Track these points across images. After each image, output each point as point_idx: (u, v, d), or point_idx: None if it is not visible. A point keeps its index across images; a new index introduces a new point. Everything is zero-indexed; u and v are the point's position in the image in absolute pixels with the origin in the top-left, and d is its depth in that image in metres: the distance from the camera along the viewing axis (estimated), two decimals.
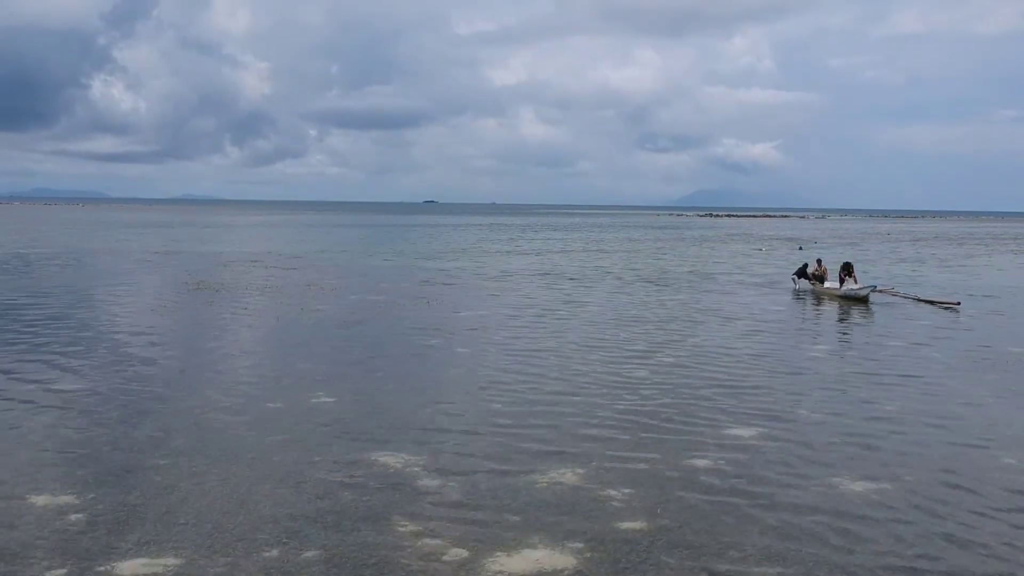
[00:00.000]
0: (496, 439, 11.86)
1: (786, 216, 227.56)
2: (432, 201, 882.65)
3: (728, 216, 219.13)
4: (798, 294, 31.79)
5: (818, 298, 30.70)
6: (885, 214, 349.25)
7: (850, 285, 29.77)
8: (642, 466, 10.77)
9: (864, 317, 25.70)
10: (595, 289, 32.63)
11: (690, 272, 40.88)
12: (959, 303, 27.49)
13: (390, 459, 10.94)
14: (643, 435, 12.15)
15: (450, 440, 11.81)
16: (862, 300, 28.61)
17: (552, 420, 12.85)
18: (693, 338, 20.90)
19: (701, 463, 10.96)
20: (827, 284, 31.59)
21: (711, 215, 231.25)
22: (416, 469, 10.59)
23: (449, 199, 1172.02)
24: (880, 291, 30.07)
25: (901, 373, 16.77)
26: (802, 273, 33.23)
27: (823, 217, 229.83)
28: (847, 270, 30.57)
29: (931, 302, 28.44)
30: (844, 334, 22.73)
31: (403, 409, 13.49)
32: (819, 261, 33.49)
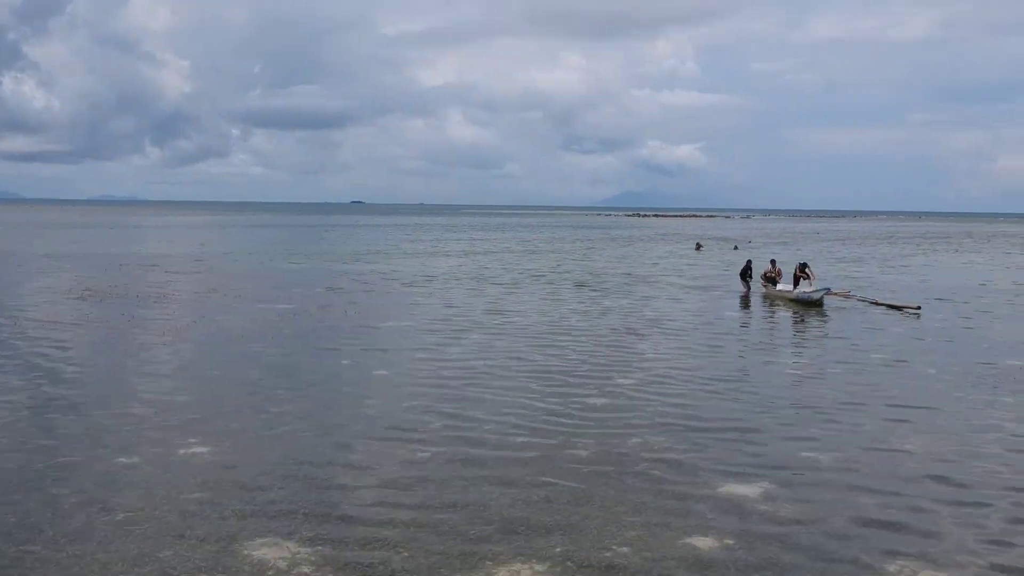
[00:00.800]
0: (415, 519, 8.71)
1: (712, 216, 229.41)
2: (359, 202, 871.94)
3: (655, 216, 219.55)
4: (746, 297, 29.51)
5: (770, 302, 28.47)
6: (807, 214, 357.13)
7: (804, 287, 27.57)
8: (621, 560, 7.78)
9: (826, 324, 23.42)
10: (525, 296, 29.47)
11: (626, 275, 38.32)
12: (919, 308, 25.49)
13: (271, 552, 7.76)
14: (617, 509, 8.99)
15: (356, 520, 8.63)
16: (816, 304, 26.41)
17: (489, 491, 9.50)
18: (647, 357, 17.99)
19: (703, 545, 8.06)
20: (780, 286, 29.39)
21: (638, 215, 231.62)
22: (306, 570, 7.43)
23: (376, 200, 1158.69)
24: (834, 294, 27.93)
25: (904, 401, 14.05)
26: (746, 272, 31.06)
27: (748, 217, 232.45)
28: (803, 270, 28.37)
29: (891, 307, 26.40)
30: (815, 348, 20.18)
31: (298, 465, 10.26)
32: (772, 262, 31.33)
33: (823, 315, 25.04)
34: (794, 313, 25.75)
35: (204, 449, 10.83)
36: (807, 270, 28.38)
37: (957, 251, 64.12)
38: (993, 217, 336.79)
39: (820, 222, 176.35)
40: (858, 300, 28.01)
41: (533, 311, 25.21)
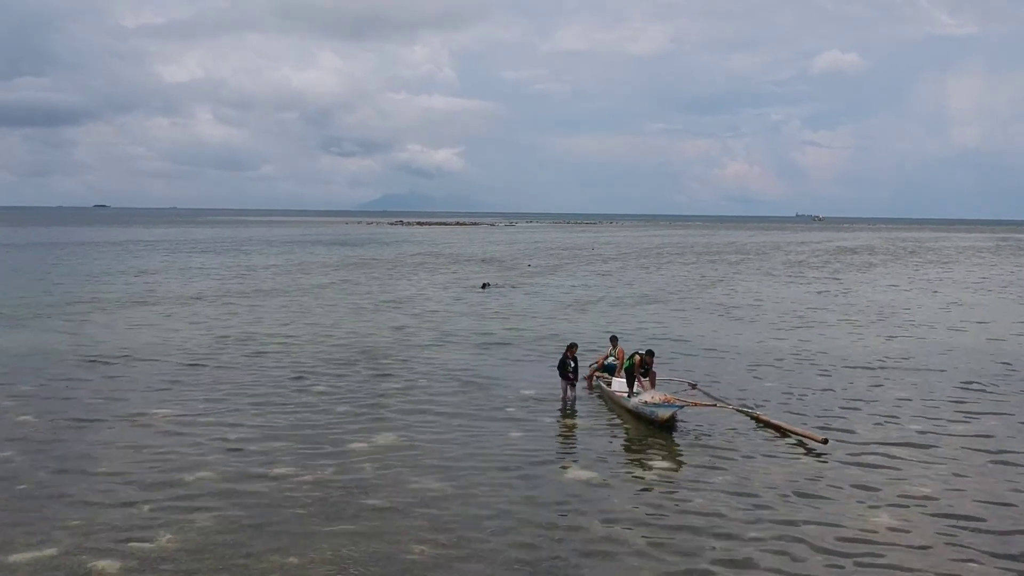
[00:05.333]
0: None
1: (476, 223, 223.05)
2: (103, 206, 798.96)
3: (419, 224, 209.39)
4: (565, 402, 18.70)
5: (608, 410, 17.99)
6: (565, 219, 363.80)
7: (643, 395, 17.14)
8: None
9: (710, 467, 13.11)
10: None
11: (371, 358, 26.64)
12: (826, 440, 15.34)
13: None
14: None
15: None
16: (665, 424, 16.13)
17: None
18: None
19: None
20: (615, 383, 19.03)
21: (402, 223, 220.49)
22: None
23: (122, 203, 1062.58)
24: (699, 404, 17.43)
25: None
26: (565, 364, 18.89)
27: (512, 224, 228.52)
28: (644, 365, 18.07)
29: (786, 432, 16.02)
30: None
31: None
32: (614, 339, 21.07)
33: (692, 446, 14.93)
34: (643, 438, 15.46)
35: None
36: (649, 364, 18.12)
37: (763, 273, 58.31)
38: (721, 220, 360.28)
39: (585, 231, 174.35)
40: (735, 411, 17.36)
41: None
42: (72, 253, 72.59)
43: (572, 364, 18.68)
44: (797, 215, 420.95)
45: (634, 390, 17.75)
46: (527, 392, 19.51)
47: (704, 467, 14.11)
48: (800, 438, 15.46)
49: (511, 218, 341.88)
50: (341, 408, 17.78)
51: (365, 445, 15.16)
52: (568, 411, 17.89)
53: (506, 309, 35.22)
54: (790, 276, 55.18)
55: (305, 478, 13.35)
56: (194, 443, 15.17)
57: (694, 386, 19.48)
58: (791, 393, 19.70)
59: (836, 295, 42.53)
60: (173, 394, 18.98)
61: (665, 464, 14.38)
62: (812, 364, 23.54)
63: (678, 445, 15.38)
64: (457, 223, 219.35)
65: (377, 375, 21.29)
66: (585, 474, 13.78)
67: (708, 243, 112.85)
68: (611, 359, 20.55)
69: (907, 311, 36.05)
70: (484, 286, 43.96)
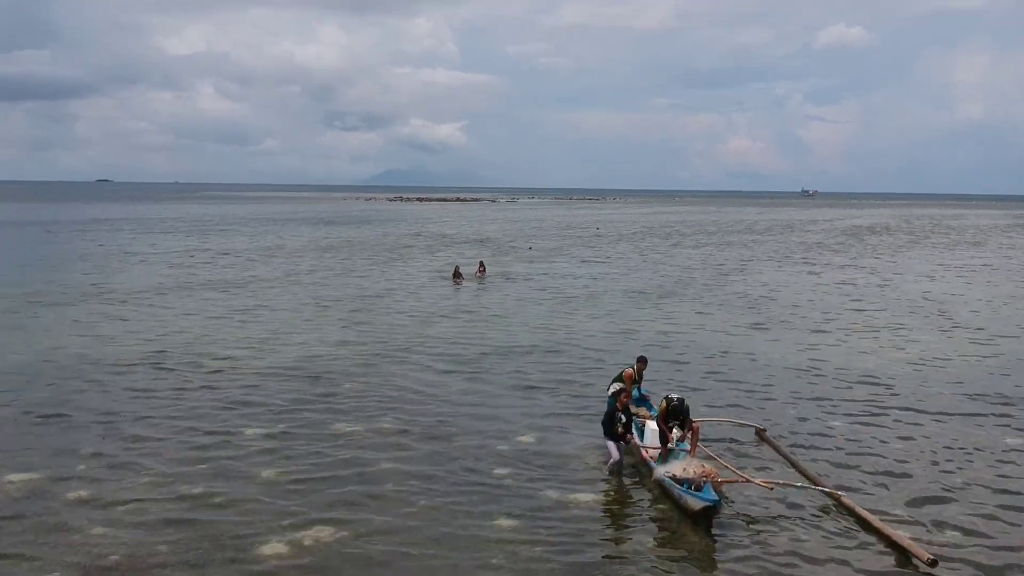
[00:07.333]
0: None
1: (477, 199, 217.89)
2: (106, 180, 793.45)
3: (418, 200, 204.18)
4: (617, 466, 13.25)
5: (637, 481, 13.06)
6: (567, 194, 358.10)
7: (673, 463, 12.30)
8: None
9: None
10: None
11: (308, 390, 21.87)
12: (935, 562, 9.79)
13: None
14: None
15: None
16: (703, 515, 11.02)
17: None
18: None
19: None
20: (647, 431, 13.95)
21: (400, 199, 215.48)
22: None
23: (125, 178, 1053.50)
24: (751, 482, 11.98)
25: None
26: (612, 420, 13.27)
27: (514, 200, 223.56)
28: (676, 415, 13.22)
29: (885, 537, 10.57)
30: None
31: None
32: (640, 361, 16.43)
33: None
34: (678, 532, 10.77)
35: None
36: (682, 415, 13.28)
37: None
38: (725, 195, 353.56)
39: (588, 207, 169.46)
40: (821, 492, 11.99)
41: None
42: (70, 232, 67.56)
43: (622, 418, 13.24)
44: (803, 191, 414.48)
45: (672, 443, 13.01)
46: (523, 439, 14.79)
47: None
48: (905, 550, 10.22)
49: (513, 193, 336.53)
50: (263, 473, 13.03)
51: (285, 548, 10.45)
52: (612, 493, 12.49)
53: (501, 309, 30.42)
54: (812, 262, 50.23)
55: None
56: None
57: (762, 433, 14.78)
58: (858, 441, 14.93)
59: (870, 287, 37.62)
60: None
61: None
62: (886, 392, 18.58)
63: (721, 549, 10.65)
64: (457, 199, 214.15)
65: (317, 416, 16.50)
66: None
67: (717, 221, 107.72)
68: (616, 384, 15.71)
69: (965, 310, 31.18)
70: (456, 275, 38.51)
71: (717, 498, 11.08)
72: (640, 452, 13.52)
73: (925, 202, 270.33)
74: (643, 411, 15.02)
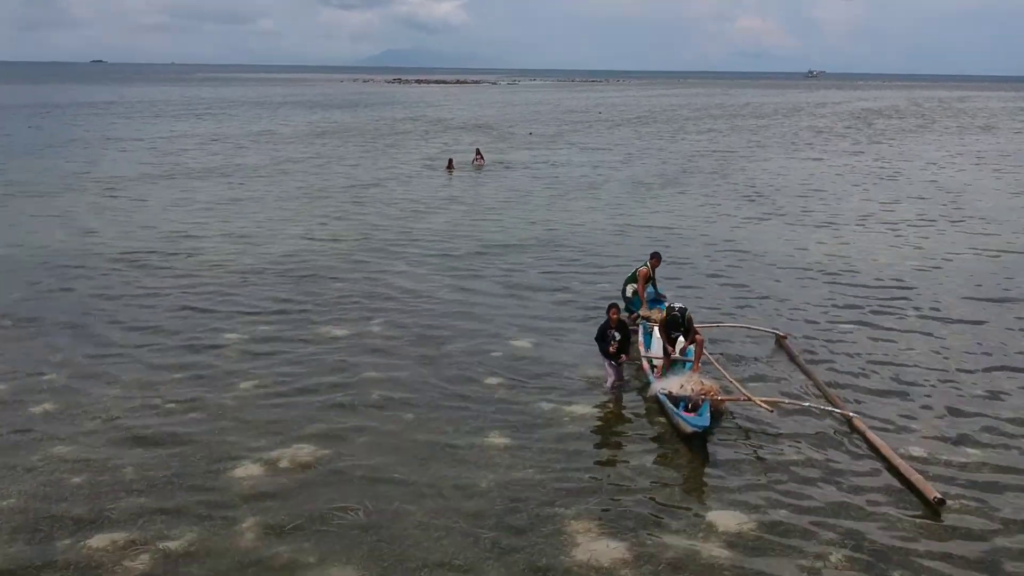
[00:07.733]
0: None
1: (477, 81, 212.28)
2: (100, 61, 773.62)
3: (417, 82, 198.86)
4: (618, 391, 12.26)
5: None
6: (569, 76, 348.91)
7: (669, 379, 11.40)
8: None
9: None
10: None
11: (291, 290, 20.90)
12: (942, 501, 8.93)
13: None
14: None
15: None
16: (697, 435, 10.25)
17: None
18: None
19: None
20: (653, 342, 13.17)
21: (399, 81, 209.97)
22: None
23: (120, 59, 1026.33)
24: (752, 401, 10.97)
25: None
26: (603, 337, 12.07)
27: (515, 82, 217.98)
28: (676, 326, 12.31)
29: (896, 469, 9.62)
30: None
31: None
32: (654, 256, 15.48)
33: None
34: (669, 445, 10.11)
35: None
36: (682, 325, 12.34)
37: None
38: (731, 76, 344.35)
39: (590, 90, 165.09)
40: (835, 413, 11.11)
41: None
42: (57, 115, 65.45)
43: (616, 336, 11.93)
44: (808, 72, 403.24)
45: (676, 351, 12.25)
46: (518, 345, 14.04)
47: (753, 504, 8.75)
48: (913, 484, 9.37)
49: (514, 75, 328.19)
50: (241, 385, 12.30)
51: (260, 470, 9.77)
52: (609, 406, 11.79)
53: (497, 201, 29.30)
54: (821, 149, 48.60)
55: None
56: None
57: (782, 340, 14.00)
58: (871, 353, 14.17)
59: (882, 178, 36.27)
60: None
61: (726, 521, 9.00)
62: (901, 294, 17.71)
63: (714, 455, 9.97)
64: (457, 81, 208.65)
65: (300, 320, 15.68)
66: (610, 546, 8.40)
67: (722, 104, 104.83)
68: (631, 286, 15.03)
69: (978, 200, 30.02)
70: (449, 165, 37.12)
71: (707, 424, 10.29)
72: (643, 362, 12.71)
73: (932, 84, 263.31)
74: (655, 313, 14.10)
